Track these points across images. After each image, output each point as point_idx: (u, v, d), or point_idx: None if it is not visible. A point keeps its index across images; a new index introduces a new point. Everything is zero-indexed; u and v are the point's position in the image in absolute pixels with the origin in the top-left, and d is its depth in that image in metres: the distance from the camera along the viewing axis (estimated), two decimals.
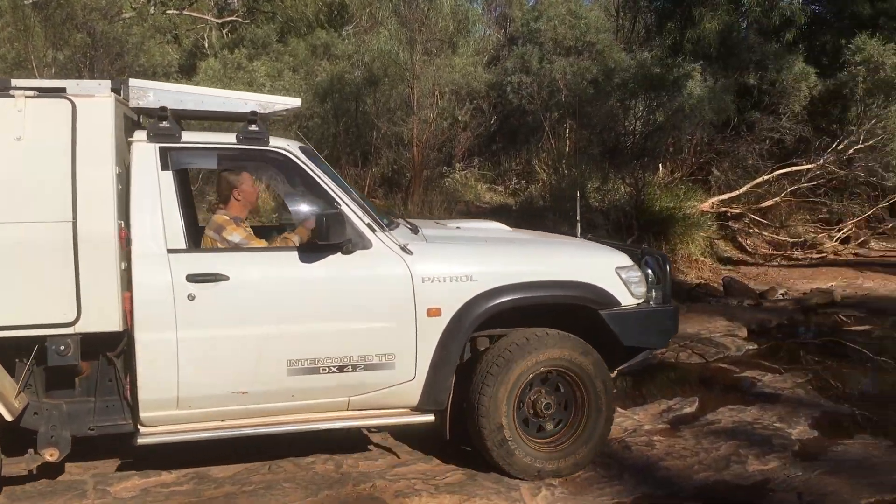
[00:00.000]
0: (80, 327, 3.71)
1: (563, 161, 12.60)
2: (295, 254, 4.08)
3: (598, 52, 13.60)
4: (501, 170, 15.28)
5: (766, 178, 12.67)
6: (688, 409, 5.63)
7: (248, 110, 4.14)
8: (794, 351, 7.59)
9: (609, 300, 4.42)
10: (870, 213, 13.44)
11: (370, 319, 4.13)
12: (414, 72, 12.39)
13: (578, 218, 5.81)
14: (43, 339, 3.72)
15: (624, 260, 4.60)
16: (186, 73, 14.85)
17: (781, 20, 13.93)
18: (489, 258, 4.39)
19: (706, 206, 11.98)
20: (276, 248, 4.25)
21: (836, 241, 13.11)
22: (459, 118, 14.17)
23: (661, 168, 13.01)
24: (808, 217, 13.64)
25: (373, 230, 4.19)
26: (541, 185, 13.45)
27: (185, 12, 17.37)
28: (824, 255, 12.61)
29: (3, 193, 3.63)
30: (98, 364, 3.97)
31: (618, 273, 4.50)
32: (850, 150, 12.64)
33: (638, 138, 12.39)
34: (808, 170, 12.86)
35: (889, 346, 7.75)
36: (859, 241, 13.41)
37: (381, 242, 4.18)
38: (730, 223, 12.64)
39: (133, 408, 3.94)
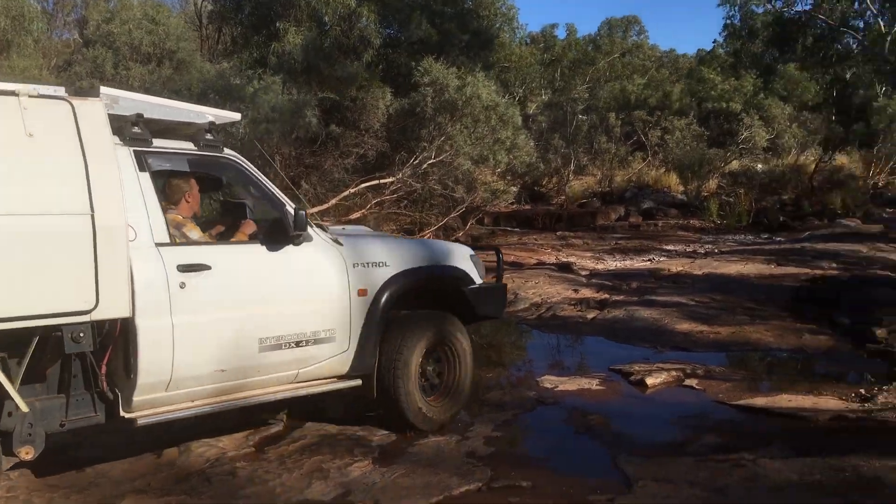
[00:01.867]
0: (96, 314, 3.84)
1: None
2: (261, 246, 4.74)
3: (180, 61, 12.95)
4: None
5: (352, 191, 13.17)
6: (275, 429, 5.39)
7: (206, 121, 4.72)
8: None
9: (469, 280, 5.69)
10: (444, 222, 14.71)
11: (319, 300, 4.88)
12: None
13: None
14: (52, 328, 3.78)
15: (471, 250, 5.96)
16: None
17: (360, 40, 14.63)
18: (394, 249, 5.41)
19: None
20: (246, 241, 4.86)
21: None
22: None
23: None
24: (395, 227, 14.50)
25: (310, 226, 4.90)
26: None
27: None
28: None
29: (21, 187, 3.69)
30: (70, 357, 3.99)
31: (471, 259, 5.81)
32: (425, 165, 13.70)
33: None
34: (391, 183, 13.65)
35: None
36: None
37: (318, 236, 4.97)
38: None
39: (122, 394, 4.13)
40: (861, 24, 41.34)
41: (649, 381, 6.54)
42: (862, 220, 18.34)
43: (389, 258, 5.26)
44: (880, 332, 7.57)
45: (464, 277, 5.68)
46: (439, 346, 5.47)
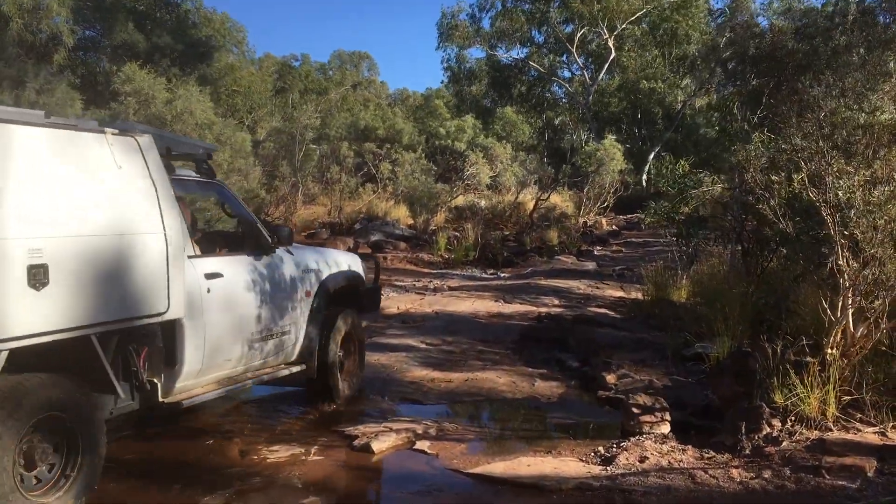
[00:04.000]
0: (166, 316, 4.71)
1: None
2: (250, 257, 5.79)
3: None
4: None
5: None
6: None
7: (203, 152, 5.88)
8: None
9: (363, 282, 7.13)
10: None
11: (284, 299, 6.00)
12: None
13: None
14: (135, 328, 4.57)
15: (358, 257, 7.37)
16: None
17: (50, 38, 12.45)
18: (320, 257, 6.70)
19: None
20: (240, 253, 5.82)
21: None
22: None
23: None
24: None
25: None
26: None
27: None
28: None
29: (119, 210, 4.45)
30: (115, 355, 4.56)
31: (362, 265, 7.20)
32: None
33: None
34: None
35: None
36: None
37: (279, 248, 6.08)
38: None
39: (162, 383, 4.82)
40: (568, 74, 45.32)
41: (376, 445, 5.62)
42: (576, 256, 19.24)
43: (319, 265, 6.55)
44: (610, 378, 7.32)
45: (361, 280, 7.12)
46: (349, 336, 6.78)
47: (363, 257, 7.68)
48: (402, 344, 8.97)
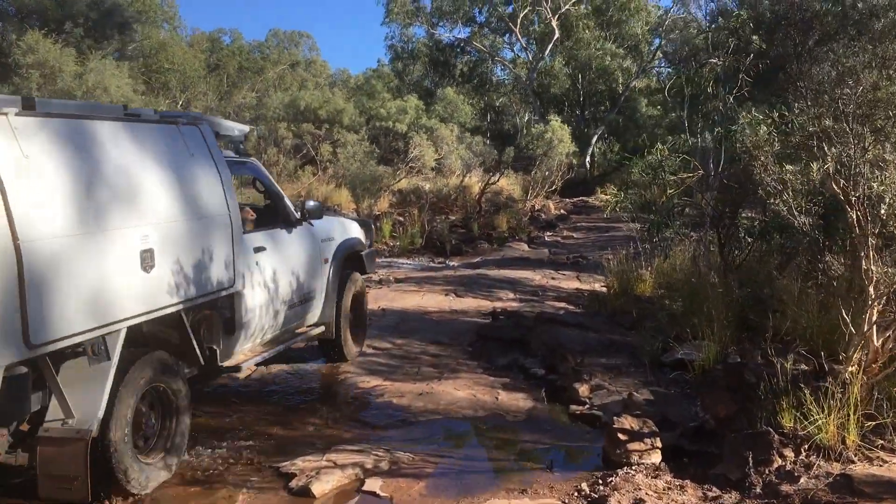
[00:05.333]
0: (233, 289, 5.29)
1: None
2: (283, 230, 6.31)
3: None
4: None
5: None
6: None
7: (241, 133, 6.10)
8: None
9: (363, 247, 7.73)
10: None
11: (311, 267, 6.59)
12: None
13: None
14: (210, 301, 5.08)
15: (357, 224, 8.00)
16: None
17: None
18: (332, 226, 7.24)
19: None
20: (274, 226, 6.27)
21: None
22: None
23: None
24: None
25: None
26: None
27: None
28: None
29: (196, 194, 4.94)
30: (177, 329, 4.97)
31: (362, 231, 7.88)
32: None
33: None
34: None
35: None
36: None
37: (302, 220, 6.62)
38: None
39: (221, 349, 5.36)
40: (509, 55, 44.42)
41: (317, 487, 4.71)
42: (527, 243, 18.45)
43: (333, 233, 7.06)
44: (583, 390, 6.49)
45: (362, 244, 7.65)
46: (356, 296, 7.43)
47: (358, 222, 8.16)
48: None
